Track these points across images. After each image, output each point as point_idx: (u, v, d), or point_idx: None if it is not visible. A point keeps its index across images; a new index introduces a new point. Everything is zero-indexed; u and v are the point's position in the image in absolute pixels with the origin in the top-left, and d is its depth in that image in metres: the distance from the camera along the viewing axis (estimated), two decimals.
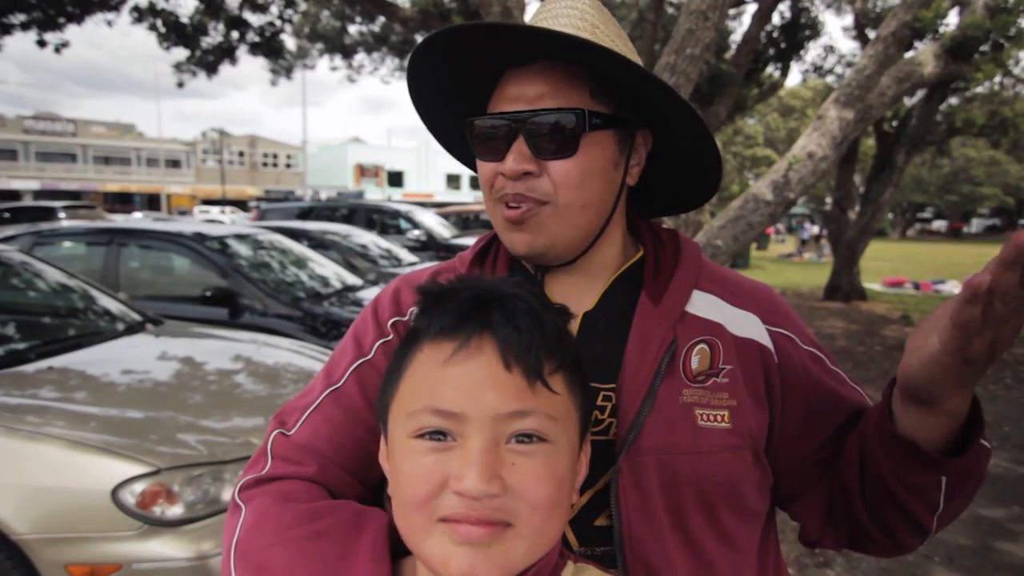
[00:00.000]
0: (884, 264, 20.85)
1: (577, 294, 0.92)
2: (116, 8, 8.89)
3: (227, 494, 2.35)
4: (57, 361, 3.02)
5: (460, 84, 0.92)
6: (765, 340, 0.89)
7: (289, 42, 12.49)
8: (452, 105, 0.95)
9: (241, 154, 58.47)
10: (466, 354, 0.63)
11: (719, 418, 0.83)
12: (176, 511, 2.24)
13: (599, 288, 0.93)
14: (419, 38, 12.55)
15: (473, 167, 1.06)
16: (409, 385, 0.66)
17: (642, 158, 0.93)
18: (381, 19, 12.29)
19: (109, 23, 9.12)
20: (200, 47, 9.78)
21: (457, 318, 0.64)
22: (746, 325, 0.89)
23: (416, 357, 0.66)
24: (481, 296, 0.66)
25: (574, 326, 0.90)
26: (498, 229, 0.91)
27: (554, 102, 0.82)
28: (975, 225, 59.27)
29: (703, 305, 0.90)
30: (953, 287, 15.21)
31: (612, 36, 0.88)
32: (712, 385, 0.85)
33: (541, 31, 0.79)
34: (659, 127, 0.91)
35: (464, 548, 0.60)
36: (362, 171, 57.90)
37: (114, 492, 2.19)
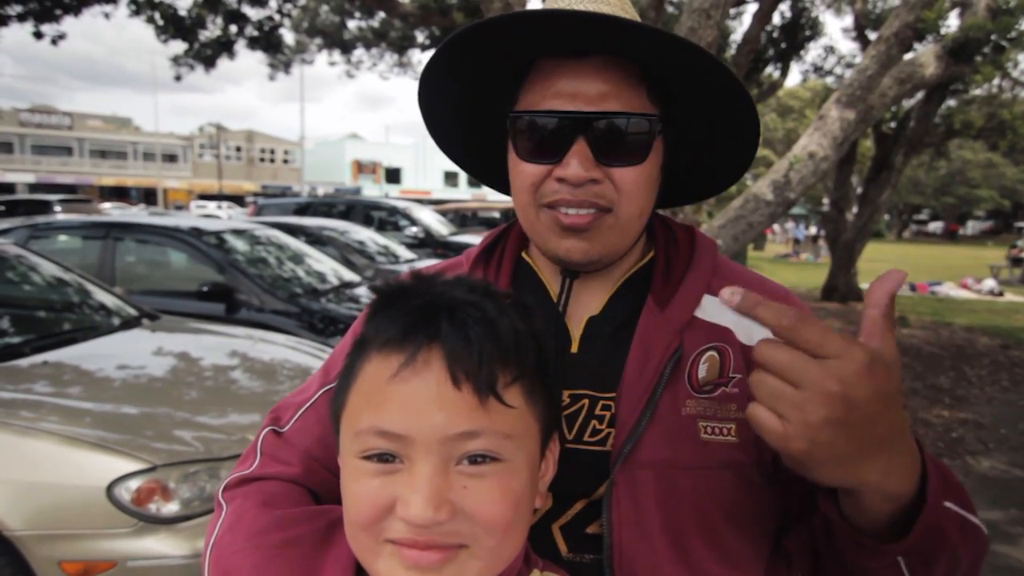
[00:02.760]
0: (880, 265, 20.82)
1: (585, 300, 0.88)
2: (113, 0, 8.84)
3: None
4: (52, 356, 2.99)
5: (475, 74, 0.84)
6: None
7: (288, 37, 12.46)
8: (453, 96, 0.88)
9: (238, 149, 58.35)
10: (412, 370, 0.58)
11: (725, 431, 0.78)
12: (172, 508, 2.22)
13: (606, 293, 0.88)
14: (418, 34, 12.56)
15: (465, 166, 1.00)
16: (356, 400, 0.62)
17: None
18: (380, 14, 12.26)
19: (106, 15, 9.07)
20: (198, 41, 9.74)
21: (404, 329, 0.60)
22: (754, 332, 0.83)
23: (364, 369, 0.62)
24: (430, 304, 0.61)
25: (577, 332, 0.86)
26: (542, 235, 0.83)
27: (619, 104, 0.76)
28: (971, 227, 59.46)
29: (713, 309, 0.83)
30: (949, 289, 15.25)
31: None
32: (720, 396, 0.80)
33: (631, 23, 0.71)
34: (684, 121, 0.86)
35: (414, 573, 0.58)
36: (359, 167, 57.82)
37: (109, 489, 2.17)
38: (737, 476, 0.79)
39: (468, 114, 0.91)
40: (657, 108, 0.80)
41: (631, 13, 0.84)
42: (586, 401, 0.82)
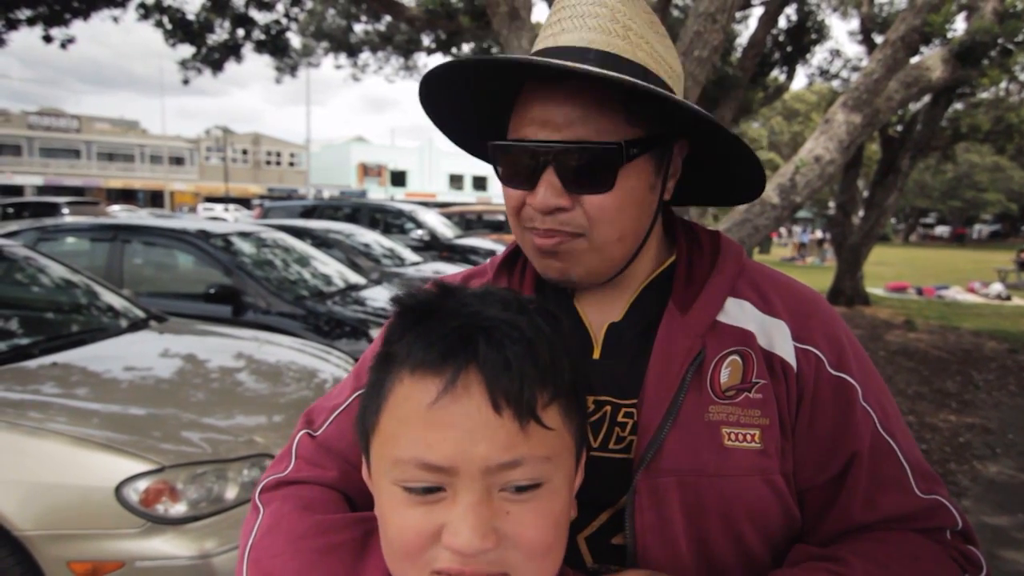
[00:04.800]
0: (887, 269, 20.83)
1: (607, 306, 0.87)
2: (122, 4, 8.89)
3: (231, 492, 2.34)
4: (61, 357, 3.01)
5: (475, 93, 0.85)
6: (789, 357, 0.81)
7: (294, 40, 12.50)
8: (464, 107, 0.88)
9: (245, 152, 58.56)
10: (452, 397, 0.57)
11: (749, 438, 0.77)
12: (179, 509, 2.23)
13: (628, 298, 0.88)
14: (425, 38, 12.60)
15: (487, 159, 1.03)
16: (391, 424, 0.61)
17: (678, 168, 0.86)
18: (387, 18, 12.29)
19: (115, 19, 9.12)
20: (206, 44, 9.78)
21: (441, 353, 0.58)
22: (775, 337, 0.82)
23: (396, 390, 0.61)
24: (466, 326, 0.59)
25: (598, 339, 0.86)
26: (528, 254, 0.85)
27: (586, 131, 0.74)
28: (978, 231, 59.17)
29: (736, 312, 0.84)
30: (956, 292, 15.18)
31: (646, 34, 0.80)
32: (744, 401, 0.78)
33: (566, 69, 0.70)
34: (694, 135, 0.85)
35: None
36: (365, 170, 57.94)
37: (118, 489, 2.18)
38: (764, 482, 0.77)
39: (475, 121, 0.91)
40: (642, 127, 0.77)
41: (621, 21, 0.79)
42: (608, 408, 0.82)
